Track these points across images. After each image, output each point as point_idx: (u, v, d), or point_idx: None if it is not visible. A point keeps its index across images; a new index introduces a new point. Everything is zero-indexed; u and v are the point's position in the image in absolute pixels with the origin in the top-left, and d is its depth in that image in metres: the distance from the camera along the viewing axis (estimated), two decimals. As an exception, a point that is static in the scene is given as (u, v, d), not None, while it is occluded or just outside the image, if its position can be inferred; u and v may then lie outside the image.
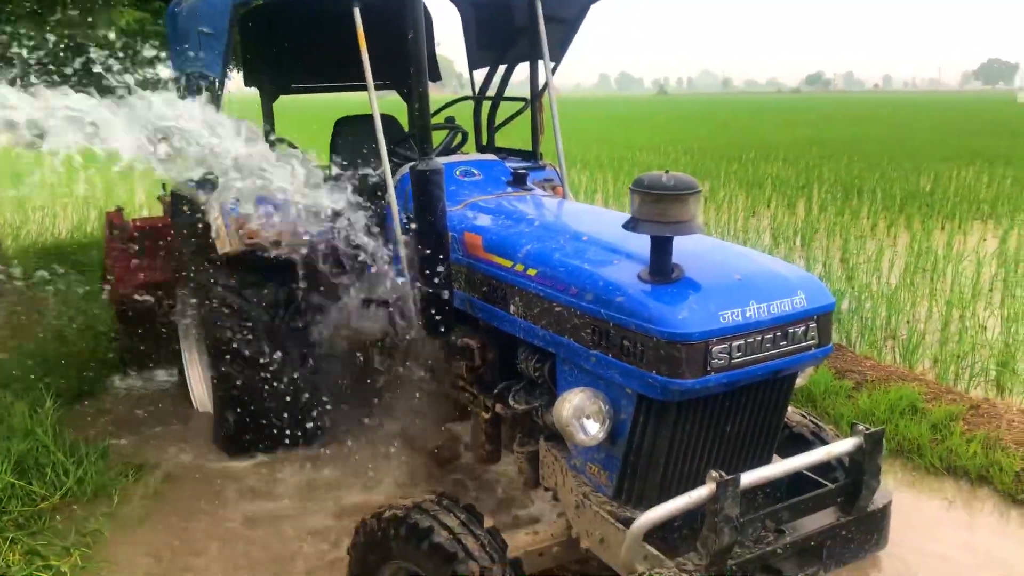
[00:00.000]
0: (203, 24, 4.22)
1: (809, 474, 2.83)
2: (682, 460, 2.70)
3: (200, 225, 4.47)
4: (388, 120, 4.82)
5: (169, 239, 5.29)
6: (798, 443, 3.39)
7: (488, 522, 2.78)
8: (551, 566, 3.11)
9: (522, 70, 5.26)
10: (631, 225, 2.55)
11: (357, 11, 3.74)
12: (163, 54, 6.87)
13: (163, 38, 6.19)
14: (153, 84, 8.30)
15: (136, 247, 6.07)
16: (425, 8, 3.58)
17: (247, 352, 4.31)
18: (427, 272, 3.30)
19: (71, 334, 6.02)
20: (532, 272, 3.06)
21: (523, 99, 5.06)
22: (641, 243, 2.65)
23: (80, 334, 6.07)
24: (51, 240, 10.51)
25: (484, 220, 3.65)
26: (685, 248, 2.63)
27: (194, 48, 4.48)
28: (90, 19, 5.76)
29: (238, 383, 4.34)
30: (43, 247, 9.93)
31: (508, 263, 3.22)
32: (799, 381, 2.92)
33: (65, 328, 6.03)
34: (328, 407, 4.47)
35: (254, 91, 5.54)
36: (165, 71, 8.24)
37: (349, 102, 5.92)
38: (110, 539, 3.85)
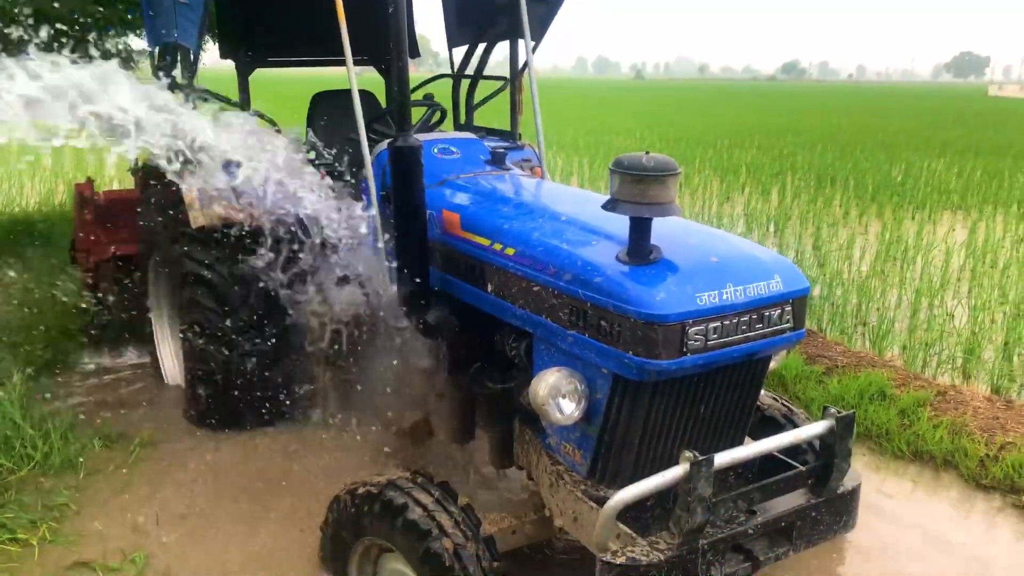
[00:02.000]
0: (178, -7, 4.15)
1: (780, 456, 2.86)
2: (656, 440, 2.72)
3: (172, 198, 4.41)
4: (366, 96, 4.78)
5: (140, 212, 5.21)
6: (770, 426, 3.43)
7: (462, 500, 2.79)
8: (524, 544, 3.13)
9: (501, 49, 5.24)
10: (610, 206, 2.55)
11: (337, -16, 3.68)
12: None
13: (136, 7, 6.08)
14: (124, 58, 8.18)
15: (107, 219, 5.98)
16: (405, -17, 3.55)
17: (219, 327, 4.27)
18: (404, 249, 3.28)
19: (39, 307, 5.93)
20: (510, 251, 3.06)
21: (502, 78, 5.03)
22: (620, 224, 2.66)
23: (48, 307, 5.97)
24: (19, 212, 10.32)
25: (462, 198, 3.63)
26: (663, 230, 2.64)
27: (169, 18, 4.40)
28: None
29: (209, 358, 4.30)
30: (11, 218, 9.75)
31: (486, 242, 3.21)
32: (772, 364, 2.95)
33: (33, 301, 5.93)
34: (301, 384, 4.45)
35: (230, 64, 5.45)
36: (138, 42, 8.12)
37: (324, 78, 5.86)
38: (79, 513, 3.81)
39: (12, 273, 6.49)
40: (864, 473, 4.29)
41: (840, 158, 18.08)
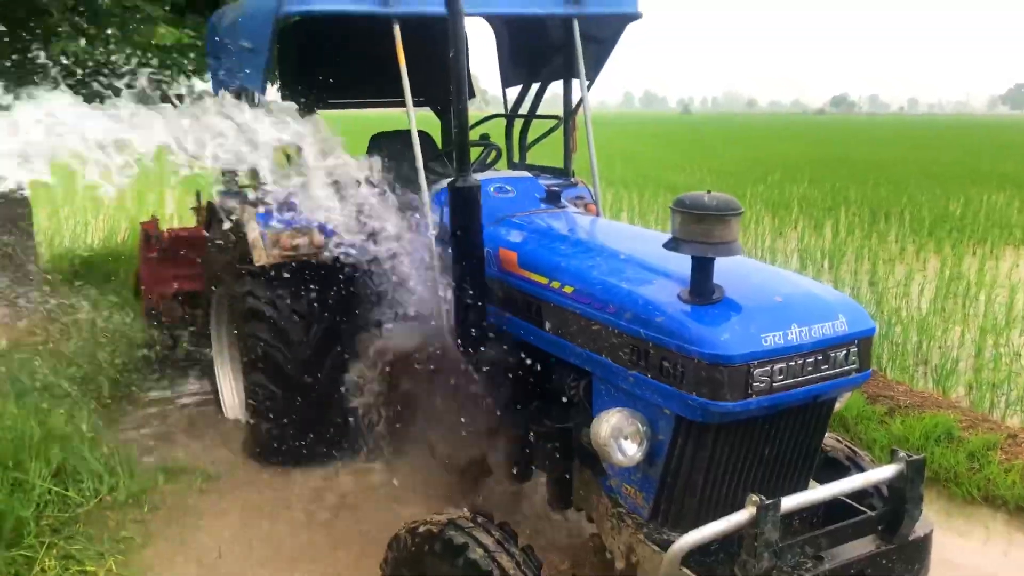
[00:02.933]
0: (244, 39, 4.28)
1: (847, 500, 2.80)
2: (720, 483, 2.68)
3: (235, 235, 4.52)
4: (423, 136, 4.85)
5: (203, 249, 5.34)
6: (833, 468, 3.34)
7: (523, 541, 2.77)
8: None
9: (554, 87, 5.30)
10: (672, 245, 2.55)
11: (397, 28, 3.77)
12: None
13: (200, 52, 6.29)
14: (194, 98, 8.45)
15: (170, 256, 6.14)
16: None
17: (281, 363, 4.34)
18: (462, 287, 3.31)
19: (105, 342, 6.08)
20: (568, 289, 3.07)
21: (556, 117, 5.08)
22: (681, 263, 2.65)
23: (114, 342, 6.12)
24: (84, 249, 10.63)
25: (519, 236, 3.66)
26: (725, 269, 2.62)
27: (234, 62, 4.54)
28: (132, 34, 5.86)
29: (271, 392, 4.36)
30: (77, 256, 10.05)
31: (544, 280, 3.22)
32: (837, 406, 2.90)
33: (99, 337, 6.08)
34: (360, 419, 4.49)
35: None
36: (202, 84, 8.37)
37: (379, 118, 5.97)
38: (144, 546, 3.87)
39: (80, 310, 6.67)
40: (934, 518, 4.16)
41: (894, 192, 17.77)
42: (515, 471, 3.57)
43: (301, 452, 4.51)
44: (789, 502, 2.40)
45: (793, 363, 2.49)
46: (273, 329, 4.34)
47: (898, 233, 12.72)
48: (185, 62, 6.68)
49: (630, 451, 2.65)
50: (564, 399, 3.26)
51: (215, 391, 5.39)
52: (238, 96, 4.97)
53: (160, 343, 6.00)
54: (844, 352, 2.61)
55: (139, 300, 6.50)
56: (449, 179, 3.37)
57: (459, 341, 3.48)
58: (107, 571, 3.62)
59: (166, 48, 6.27)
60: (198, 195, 6.55)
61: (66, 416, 4.54)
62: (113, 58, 5.92)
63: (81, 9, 5.67)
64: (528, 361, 3.40)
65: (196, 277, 5.73)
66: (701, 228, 2.47)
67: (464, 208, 3.25)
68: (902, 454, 2.62)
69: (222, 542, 3.92)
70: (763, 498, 2.30)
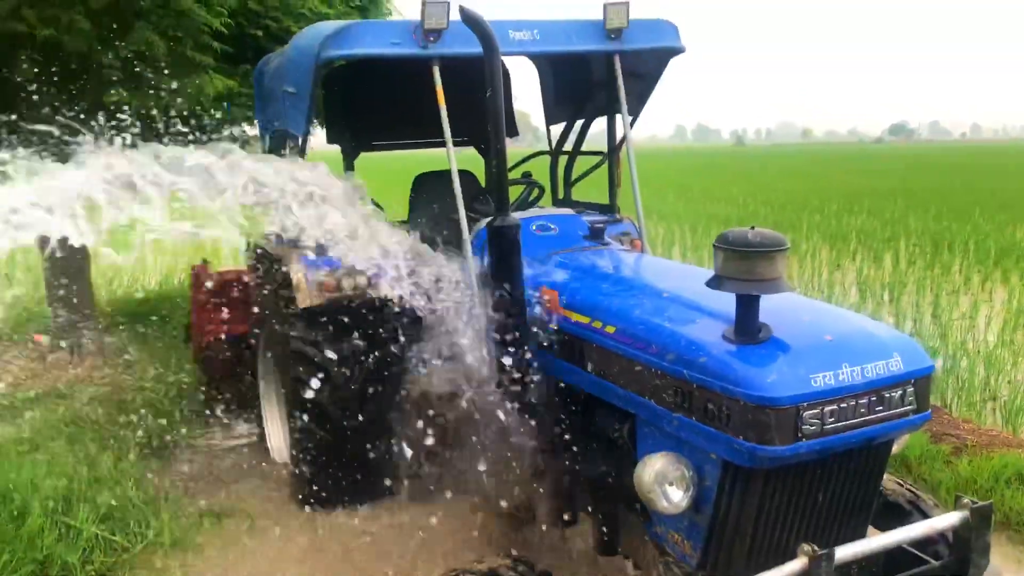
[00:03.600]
0: (287, 83, 4.34)
1: (908, 548, 2.65)
2: (771, 530, 2.55)
3: (280, 278, 4.54)
4: (466, 175, 4.86)
5: (252, 292, 5.39)
6: (894, 513, 3.18)
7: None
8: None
9: (598, 122, 5.26)
10: (715, 283, 2.46)
11: (436, 69, 3.79)
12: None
13: (250, 99, 6.42)
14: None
15: (220, 300, 6.22)
16: (503, 64, 3.63)
17: (325, 405, 4.32)
18: (502, 328, 3.26)
19: (154, 385, 6.17)
20: (611, 329, 2.99)
21: (600, 153, 5.04)
22: (725, 301, 2.56)
23: (163, 386, 6.20)
24: (141, 292, 10.88)
25: (561, 275, 3.60)
26: (772, 307, 2.52)
27: (279, 108, 4.60)
28: (182, 86, 6.01)
29: (316, 436, 4.35)
30: (133, 299, 10.28)
31: (586, 319, 3.16)
32: (895, 448, 2.76)
33: (149, 379, 6.17)
34: (405, 463, 4.45)
35: (336, 148, 5.66)
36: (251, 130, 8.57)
37: (428, 159, 6.00)
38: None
39: (130, 353, 6.80)
40: (1004, 566, 3.93)
41: (957, 221, 17.29)
42: (559, 515, 3.49)
43: (345, 495, 4.47)
44: (844, 551, 2.29)
45: (845, 405, 2.37)
46: (316, 371, 4.33)
47: (962, 263, 12.33)
48: (235, 109, 6.83)
49: (675, 497, 2.54)
50: (608, 442, 3.17)
51: (262, 434, 5.40)
52: (283, 141, 5.06)
53: (209, 386, 6.05)
54: (900, 392, 2.48)
55: (190, 343, 6.58)
56: (490, 218, 3.34)
57: (499, 383, 3.42)
58: (151, 617, 3.62)
59: (218, 97, 6.41)
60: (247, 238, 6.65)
61: (114, 459, 4.58)
62: (167, 109, 6.07)
63: (133, 60, 5.83)
64: (571, 403, 3.33)
65: (245, 320, 5.78)
66: (745, 265, 2.39)
67: (504, 247, 3.21)
68: (967, 500, 2.48)
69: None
70: (815, 548, 2.20)
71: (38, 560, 3.79)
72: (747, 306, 2.47)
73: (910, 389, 2.50)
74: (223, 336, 6.01)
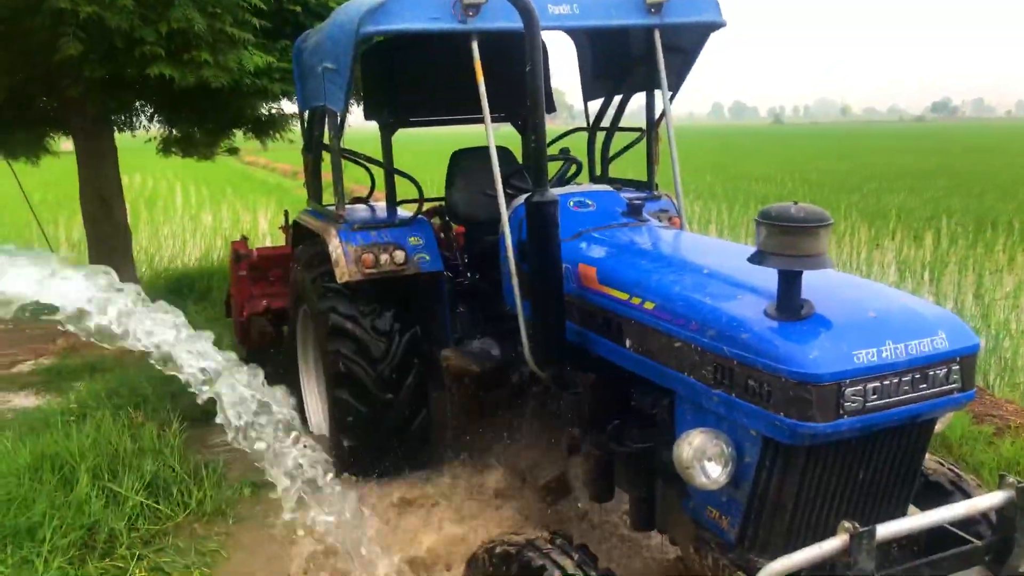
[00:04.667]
0: (327, 60, 4.35)
1: (951, 528, 2.63)
2: (811, 508, 2.54)
3: (319, 253, 4.59)
4: (503, 152, 4.85)
5: (290, 267, 5.45)
6: (935, 492, 3.15)
7: (603, 565, 2.69)
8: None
9: (637, 99, 5.22)
10: (757, 258, 2.44)
11: (475, 44, 3.78)
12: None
13: (288, 75, 6.45)
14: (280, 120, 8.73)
15: (259, 275, 6.30)
16: (542, 39, 3.60)
17: (362, 378, 4.37)
18: (540, 303, 3.26)
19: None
20: (649, 305, 2.98)
21: (639, 129, 5.00)
22: (767, 277, 2.54)
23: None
24: (181, 267, 11.04)
25: (599, 251, 3.59)
26: (815, 283, 2.49)
27: (318, 84, 4.62)
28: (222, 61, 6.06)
29: (354, 408, 4.40)
30: (174, 274, 10.44)
31: (624, 296, 3.14)
32: (938, 427, 2.73)
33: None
34: (441, 434, 4.50)
35: (374, 125, 5.68)
36: (288, 106, 8.61)
37: (468, 135, 5.99)
38: (229, 559, 3.95)
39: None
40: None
41: (1001, 200, 16.93)
42: (596, 490, 3.50)
43: (382, 466, 4.53)
44: (885, 529, 2.26)
45: (888, 382, 2.34)
46: (355, 345, 4.38)
47: (1006, 243, 12.08)
48: (276, 84, 6.86)
49: (714, 473, 2.54)
50: (646, 418, 3.16)
51: (301, 407, 5.48)
52: (322, 116, 5.08)
53: (248, 359, 6.13)
54: (944, 370, 2.44)
55: (229, 317, 6.68)
56: (527, 194, 3.33)
57: (537, 358, 3.43)
58: (193, 583, 3.71)
59: (257, 72, 6.45)
60: (286, 214, 6.71)
61: (157, 430, 4.68)
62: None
63: (174, 37, 5.88)
64: (609, 379, 3.33)
65: (284, 295, 5.85)
66: (787, 240, 2.36)
67: (541, 223, 3.20)
68: (1011, 479, 2.44)
69: (306, 556, 3.95)
70: (856, 525, 2.18)
71: (85, 526, 3.89)
72: (789, 282, 2.45)
73: (955, 367, 2.46)
74: (262, 311, 6.09)
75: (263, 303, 6.10)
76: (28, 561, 3.64)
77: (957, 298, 8.78)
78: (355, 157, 4.87)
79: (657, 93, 4.70)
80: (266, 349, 5.94)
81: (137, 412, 5.11)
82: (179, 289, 9.15)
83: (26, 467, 4.31)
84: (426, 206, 4.83)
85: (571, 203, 3.98)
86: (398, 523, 4.24)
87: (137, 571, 3.72)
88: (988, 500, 2.46)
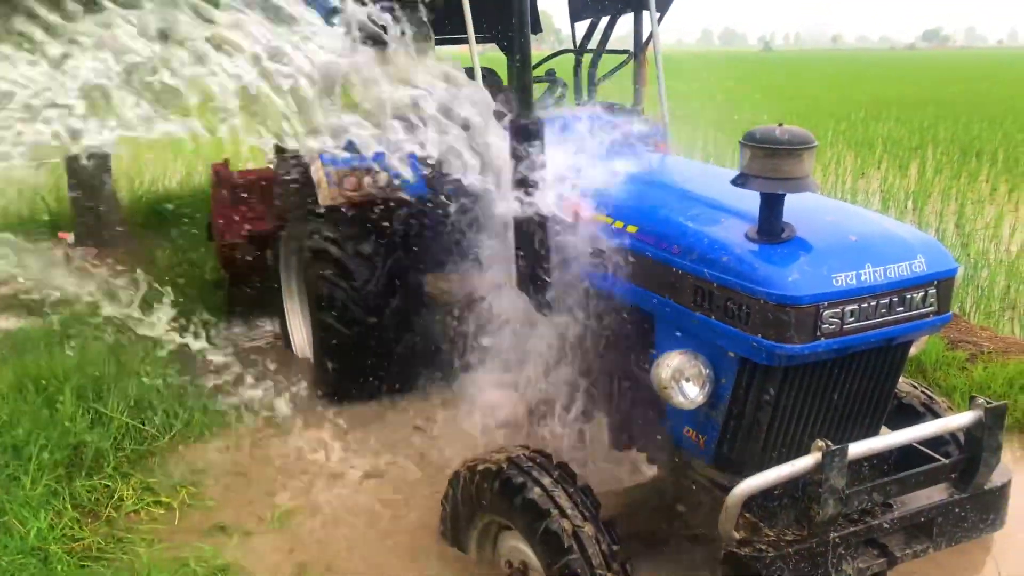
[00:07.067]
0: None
1: (920, 447, 2.70)
2: (785, 427, 2.60)
3: (302, 177, 4.54)
4: (488, 73, 4.77)
5: (272, 190, 5.40)
6: (908, 414, 3.23)
7: (581, 481, 2.76)
8: (644, 528, 3.07)
9: (624, 22, 5.12)
10: (740, 181, 2.44)
11: (459, -39, 3.68)
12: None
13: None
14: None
15: (241, 197, 6.23)
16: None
17: (346, 302, 4.38)
18: (523, 228, 3.25)
19: (177, 283, 6.23)
20: (632, 229, 2.98)
21: (626, 51, 4.92)
22: (750, 201, 2.54)
23: (186, 282, 6.27)
24: (162, 190, 10.89)
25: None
26: (797, 207, 2.51)
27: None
28: None
29: (337, 332, 4.42)
30: (155, 196, 10.30)
31: (608, 220, 3.14)
32: (913, 350, 2.77)
33: (172, 277, 6.24)
34: (426, 358, 4.53)
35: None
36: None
37: (446, 55, 5.87)
38: (217, 480, 3.99)
39: (156, 249, 6.83)
40: (1016, 469, 3.99)
41: (988, 130, 16.86)
42: (577, 412, 3.56)
43: (366, 390, 4.58)
44: (857, 448, 2.33)
45: (866, 305, 2.38)
46: (338, 269, 4.37)
47: (990, 173, 12.10)
48: None
49: (691, 393, 2.58)
50: (626, 339, 3.20)
51: (284, 331, 5.49)
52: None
53: (231, 283, 6.12)
54: (922, 294, 2.48)
55: (211, 242, 6.63)
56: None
57: (522, 283, 3.44)
58: (180, 502, 3.76)
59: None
60: (268, 136, 6.59)
61: (143, 352, 4.69)
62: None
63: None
64: (590, 302, 3.35)
65: (267, 218, 5.81)
66: (771, 163, 2.36)
67: (526, 145, 3.17)
68: (981, 400, 2.50)
69: (291, 475, 4.02)
70: (829, 443, 2.24)
71: (71, 445, 3.93)
72: (771, 205, 2.45)
73: (932, 291, 2.49)
74: (245, 234, 6.04)
75: (245, 227, 6.05)
76: (15, 478, 3.68)
77: (939, 227, 8.82)
78: None
79: (645, 14, 4.61)
80: (249, 273, 5.92)
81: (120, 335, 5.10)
82: (160, 212, 9.04)
83: (9, 387, 4.32)
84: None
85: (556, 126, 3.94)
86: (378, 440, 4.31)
87: (125, 489, 3.77)
88: (957, 420, 2.53)
